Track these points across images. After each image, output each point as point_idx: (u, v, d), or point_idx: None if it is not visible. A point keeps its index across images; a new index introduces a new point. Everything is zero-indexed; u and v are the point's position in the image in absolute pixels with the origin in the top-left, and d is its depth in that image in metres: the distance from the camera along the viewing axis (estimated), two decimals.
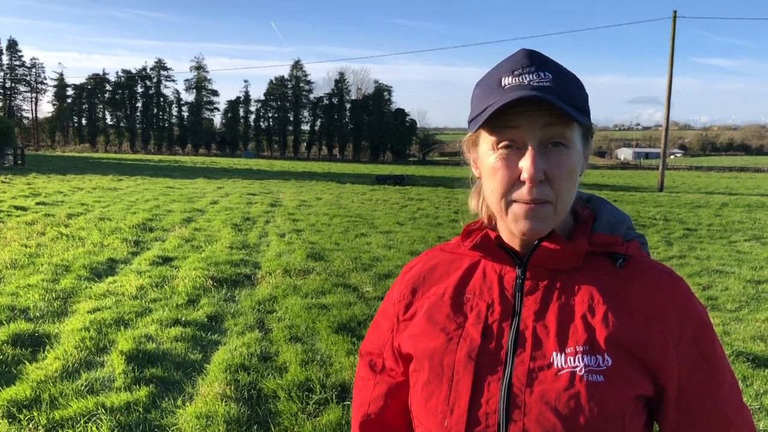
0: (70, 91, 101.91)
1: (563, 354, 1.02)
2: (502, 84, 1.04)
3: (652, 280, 1.07)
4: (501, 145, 1.04)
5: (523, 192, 1.03)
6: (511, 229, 1.09)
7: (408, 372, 1.22)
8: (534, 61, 1.05)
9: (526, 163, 1.01)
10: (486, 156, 1.08)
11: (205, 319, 6.14)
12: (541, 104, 1.00)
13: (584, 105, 1.07)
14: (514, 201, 1.04)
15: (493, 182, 1.06)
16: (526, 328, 1.07)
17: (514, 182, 1.04)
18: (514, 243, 1.13)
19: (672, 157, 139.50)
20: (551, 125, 1.02)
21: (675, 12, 32.11)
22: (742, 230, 14.54)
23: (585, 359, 1.01)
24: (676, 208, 20.31)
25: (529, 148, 1.02)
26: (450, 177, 41.25)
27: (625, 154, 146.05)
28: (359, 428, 1.32)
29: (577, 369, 1.00)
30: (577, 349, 1.02)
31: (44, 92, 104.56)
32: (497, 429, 1.02)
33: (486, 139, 1.08)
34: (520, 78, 1.03)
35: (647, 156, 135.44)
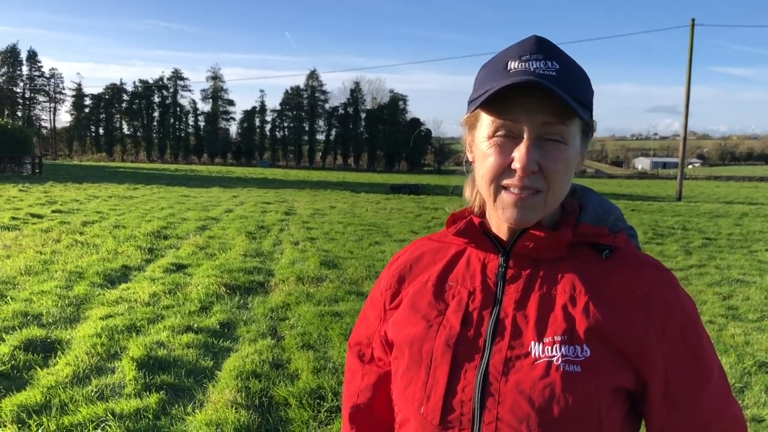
0: (87, 101, 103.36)
1: (541, 343, 1.01)
2: (508, 68, 1.03)
3: (636, 272, 1.05)
4: (498, 133, 1.03)
5: (514, 179, 1.01)
6: (498, 216, 1.07)
7: None
8: (542, 48, 1.03)
9: (519, 153, 1.00)
10: (481, 141, 1.07)
11: (218, 326, 6.09)
12: (543, 92, 0.98)
13: (588, 100, 1.05)
14: (504, 187, 1.03)
15: (484, 167, 1.05)
16: (506, 317, 1.06)
17: (504, 169, 1.02)
18: (501, 231, 1.12)
19: (690, 166, 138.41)
20: (549, 124, 1.00)
21: (693, 20, 31.89)
22: (763, 240, 14.30)
23: (563, 349, 0.99)
24: (694, 218, 20.06)
25: (525, 138, 1.00)
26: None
27: (642, 163, 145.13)
28: (349, 420, 1.33)
29: (554, 359, 0.99)
30: (556, 339, 1.00)
31: (62, 102, 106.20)
32: (471, 417, 1.01)
33: (483, 124, 1.06)
34: (526, 64, 1.01)
35: (665, 166, 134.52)
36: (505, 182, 1.02)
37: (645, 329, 1.00)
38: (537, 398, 0.97)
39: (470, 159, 1.15)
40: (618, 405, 1.00)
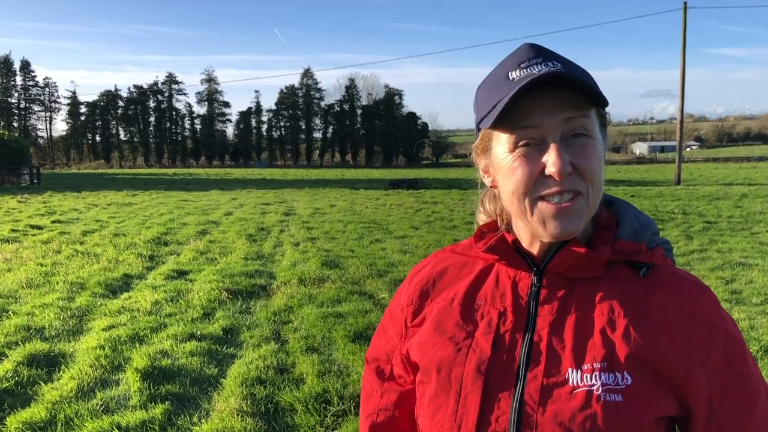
0: (83, 109, 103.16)
1: (579, 371, 0.95)
2: (510, 77, 0.97)
3: (677, 291, 0.99)
4: (520, 144, 0.96)
5: (550, 187, 0.95)
6: (536, 232, 1.00)
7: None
8: (539, 53, 0.98)
9: (551, 158, 0.93)
10: (502, 158, 0.99)
11: (221, 333, 6.08)
12: (557, 89, 0.93)
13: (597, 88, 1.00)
14: (540, 198, 0.96)
15: (513, 181, 0.97)
16: (541, 341, 0.99)
17: (537, 178, 0.95)
18: (533, 247, 1.05)
19: (688, 149, 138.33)
20: (572, 119, 0.94)
21: (685, 3, 31.79)
22: (764, 221, 14.28)
23: (603, 377, 0.93)
24: (694, 201, 20.04)
25: (551, 141, 0.94)
26: (464, 179, 41.06)
27: (640, 148, 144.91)
28: None
29: (594, 388, 0.93)
30: (595, 366, 0.95)
31: (58, 111, 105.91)
32: None
33: (500, 140, 1.00)
34: (528, 69, 0.96)
35: (663, 149, 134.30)
36: (542, 192, 0.96)
37: (688, 353, 0.94)
38: (577, 430, 0.91)
39: (488, 184, 1.09)
40: None
